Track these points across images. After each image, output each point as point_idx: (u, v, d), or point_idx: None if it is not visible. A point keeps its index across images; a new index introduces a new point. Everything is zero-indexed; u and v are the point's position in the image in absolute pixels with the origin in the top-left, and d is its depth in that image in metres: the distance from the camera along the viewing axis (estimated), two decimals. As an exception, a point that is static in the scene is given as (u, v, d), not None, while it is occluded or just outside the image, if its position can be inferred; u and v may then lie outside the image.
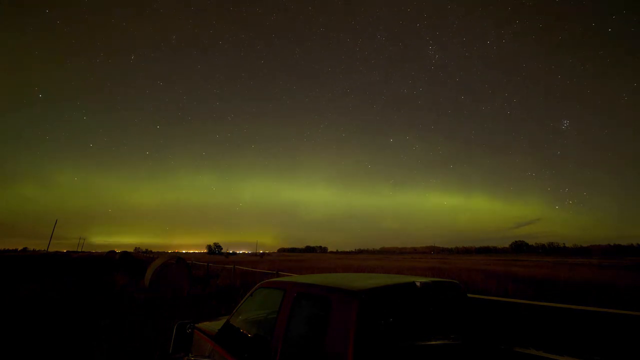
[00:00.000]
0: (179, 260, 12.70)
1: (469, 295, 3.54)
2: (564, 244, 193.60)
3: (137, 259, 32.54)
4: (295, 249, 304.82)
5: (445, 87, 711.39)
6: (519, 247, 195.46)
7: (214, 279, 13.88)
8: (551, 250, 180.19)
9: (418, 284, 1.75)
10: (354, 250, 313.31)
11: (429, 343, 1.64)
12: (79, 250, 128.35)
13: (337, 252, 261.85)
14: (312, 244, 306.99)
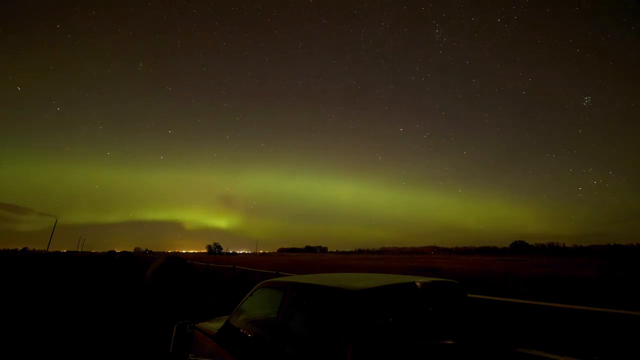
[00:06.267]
0: (179, 260, 12.71)
1: (469, 295, 3.53)
2: (563, 244, 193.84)
3: (137, 259, 32.53)
4: (295, 248, 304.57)
5: (455, 71, 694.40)
6: (519, 247, 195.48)
7: (213, 278, 13.89)
8: (551, 250, 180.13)
9: (418, 284, 1.75)
10: (354, 250, 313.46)
11: (429, 343, 1.64)
12: (79, 250, 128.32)
13: (337, 252, 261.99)
14: (312, 244, 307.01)
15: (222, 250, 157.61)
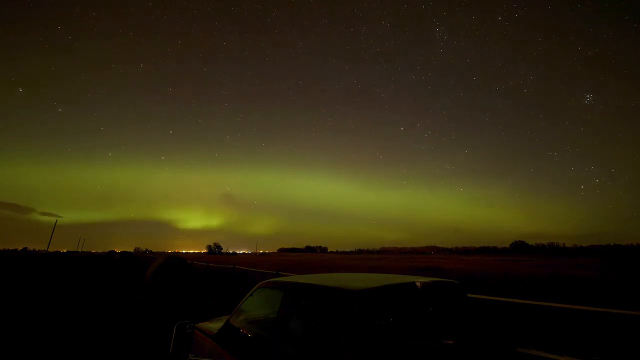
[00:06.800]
0: (179, 260, 12.71)
1: (469, 295, 3.53)
2: (563, 244, 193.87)
3: (137, 259, 32.50)
4: (295, 248, 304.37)
5: (456, 70, 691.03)
6: (519, 247, 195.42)
7: (213, 278, 13.89)
8: (551, 250, 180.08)
9: (418, 284, 1.75)
10: (354, 250, 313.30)
11: (429, 343, 1.64)
12: (79, 250, 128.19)
13: (337, 252, 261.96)
14: (312, 244, 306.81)
15: (222, 250, 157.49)
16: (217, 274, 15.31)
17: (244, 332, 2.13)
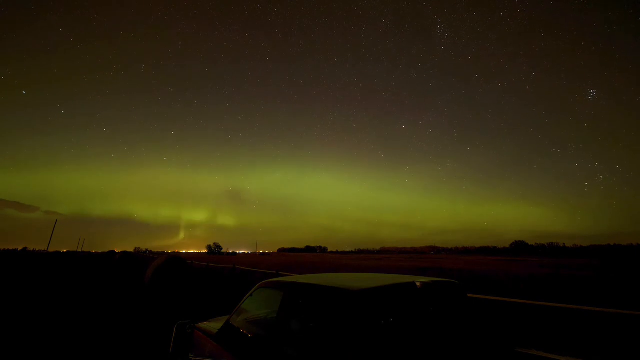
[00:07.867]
0: (179, 260, 12.70)
1: (469, 295, 3.53)
2: (563, 244, 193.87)
3: (137, 259, 32.48)
4: (295, 248, 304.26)
5: (457, 67, 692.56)
6: (519, 247, 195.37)
7: (213, 278, 13.88)
8: (551, 250, 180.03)
9: (418, 284, 1.75)
10: (354, 250, 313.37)
11: (429, 343, 1.64)
12: (79, 250, 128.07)
13: (337, 252, 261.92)
14: (312, 244, 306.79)
15: (222, 250, 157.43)
16: (217, 274, 15.32)
17: (244, 332, 2.13)
